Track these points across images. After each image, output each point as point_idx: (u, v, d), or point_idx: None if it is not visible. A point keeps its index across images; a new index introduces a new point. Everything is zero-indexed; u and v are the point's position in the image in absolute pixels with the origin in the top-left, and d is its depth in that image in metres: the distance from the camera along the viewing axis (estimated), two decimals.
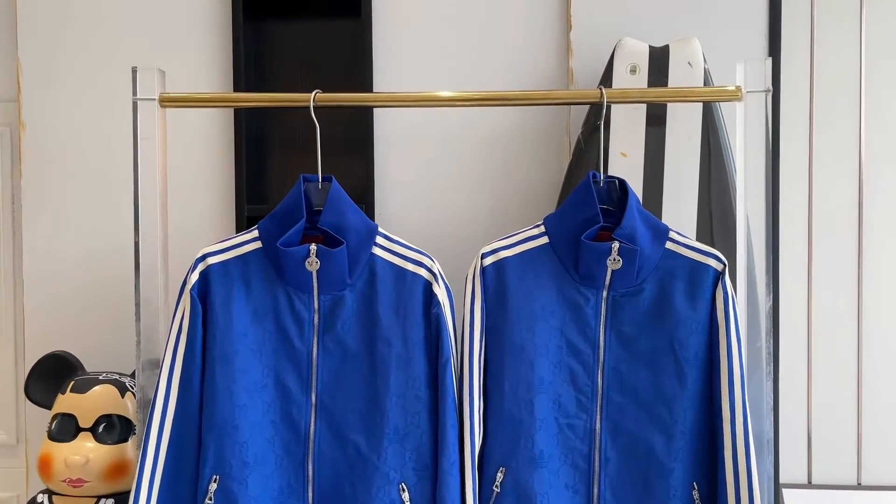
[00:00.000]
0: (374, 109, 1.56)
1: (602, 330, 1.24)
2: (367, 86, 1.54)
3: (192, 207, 1.60)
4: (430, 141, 1.58)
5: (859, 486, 1.57)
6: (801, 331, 1.56)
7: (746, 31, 1.53)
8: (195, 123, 1.58)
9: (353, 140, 1.57)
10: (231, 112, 1.55)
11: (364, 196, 1.55)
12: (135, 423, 1.36)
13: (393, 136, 1.59)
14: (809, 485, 1.58)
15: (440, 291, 1.24)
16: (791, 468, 1.58)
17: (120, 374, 1.44)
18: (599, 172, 1.26)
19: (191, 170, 1.60)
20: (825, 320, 1.57)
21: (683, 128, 1.38)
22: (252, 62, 1.51)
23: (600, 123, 1.23)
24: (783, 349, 1.55)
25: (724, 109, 1.39)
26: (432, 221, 1.57)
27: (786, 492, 1.55)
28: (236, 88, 1.50)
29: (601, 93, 1.22)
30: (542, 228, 1.27)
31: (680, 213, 1.36)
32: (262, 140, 1.59)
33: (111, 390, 1.38)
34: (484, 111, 1.56)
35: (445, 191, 1.58)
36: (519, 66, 1.54)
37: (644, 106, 1.41)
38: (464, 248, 1.40)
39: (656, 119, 1.41)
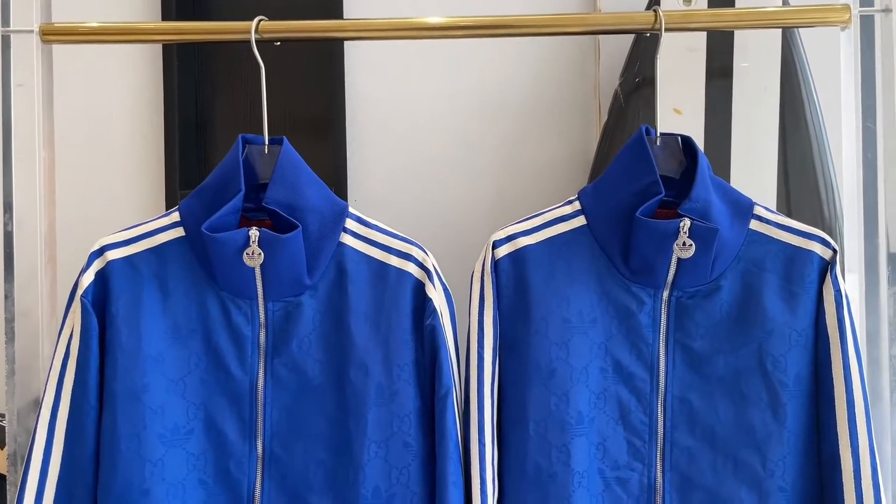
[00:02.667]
0: (346, 74, 1.22)
1: (663, 345, 0.89)
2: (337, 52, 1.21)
3: (111, 195, 1.23)
4: (418, 107, 1.23)
5: None
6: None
7: None
8: (117, 92, 1.23)
9: (319, 114, 1.22)
10: (160, 78, 1.20)
11: (336, 185, 1.21)
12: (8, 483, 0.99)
13: (370, 104, 1.24)
14: None
15: (436, 294, 0.89)
16: None
17: None
18: (654, 128, 0.92)
19: (109, 149, 1.24)
20: None
21: (758, 76, 1.04)
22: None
23: (656, 59, 0.88)
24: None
25: (812, 49, 1.05)
26: (422, 211, 1.22)
27: None
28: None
29: (656, 16, 0.89)
30: (577, 205, 0.92)
31: (754, 188, 1.02)
32: (202, 114, 1.24)
33: None
34: (487, 68, 1.22)
35: (438, 173, 1.23)
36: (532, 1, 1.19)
37: (703, 55, 1.07)
38: (465, 242, 1.06)
39: (719, 71, 1.07)
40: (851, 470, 0.84)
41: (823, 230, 1.01)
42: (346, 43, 1.20)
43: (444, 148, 1.22)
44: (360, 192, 1.23)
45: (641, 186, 0.88)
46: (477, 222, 1.19)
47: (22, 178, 0.90)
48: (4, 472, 1.01)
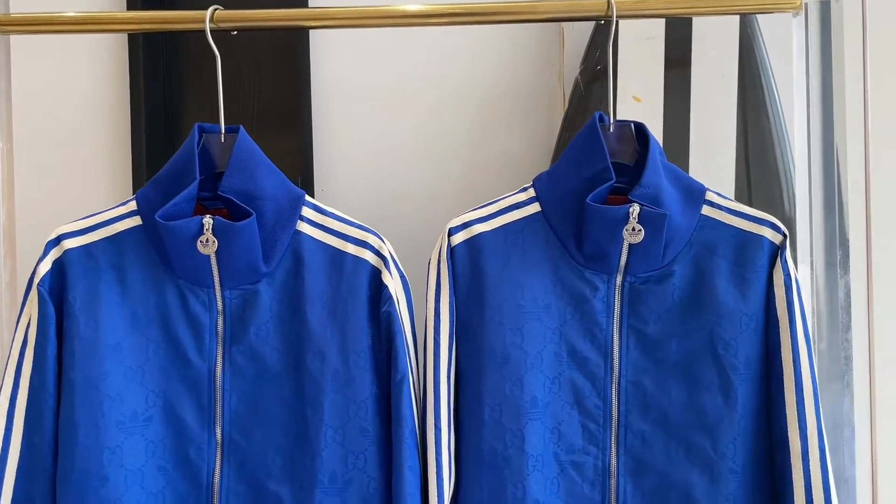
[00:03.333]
0: (311, 64, 1.22)
1: (616, 330, 0.90)
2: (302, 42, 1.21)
3: (79, 187, 1.23)
4: (382, 100, 1.23)
5: None
6: (860, 334, 1.22)
7: None
8: (83, 84, 1.23)
9: (286, 104, 1.22)
10: (126, 70, 1.20)
11: (303, 175, 1.21)
12: None
13: (336, 93, 1.24)
14: None
15: (392, 282, 0.90)
16: None
17: None
18: (608, 115, 0.92)
19: (77, 141, 1.23)
20: (889, 318, 1.22)
21: (715, 64, 1.05)
22: None
23: (608, 50, 0.89)
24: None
25: (770, 36, 1.05)
26: (388, 200, 1.22)
27: None
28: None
29: (608, 3, 0.89)
30: (532, 192, 0.93)
31: (713, 174, 1.03)
32: (170, 105, 1.24)
33: None
34: (453, 57, 1.22)
35: (404, 161, 1.23)
36: None
37: (661, 43, 1.07)
38: (432, 229, 1.06)
39: (678, 60, 1.08)
40: (799, 451, 0.85)
41: (784, 215, 1.02)
42: (311, 32, 1.20)
43: (410, 137, 1.23)
44: (327, 182, 1.23)
45: (593, 173, 0.89)
46: (442, 210, 1.18)
47: None
48: None
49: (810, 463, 0.84)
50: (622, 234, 0.86)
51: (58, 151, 1.21)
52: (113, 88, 1.22)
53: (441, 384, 0.90)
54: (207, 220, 0.86)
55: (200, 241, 0.86)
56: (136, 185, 1.21)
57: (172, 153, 0.91)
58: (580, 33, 1.17)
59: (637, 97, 1.06)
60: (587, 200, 0.86)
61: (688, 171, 1.03)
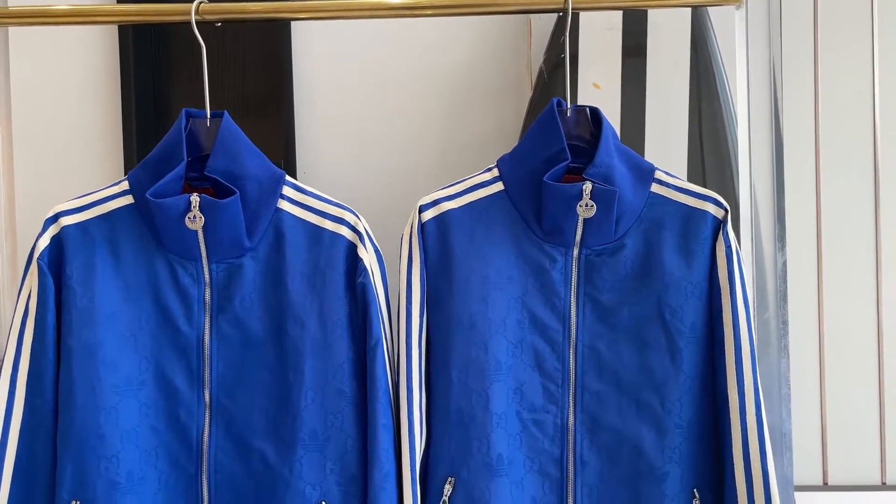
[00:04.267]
0: (293, 53, 1.29)
1: (573, 299, 0.98)
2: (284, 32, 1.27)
3: (71, 178, 1.29)
4: (361, 87, 1.31)
5: (884, 486, 1.32)
6: (810, 305, 1.30)
7: None
8: (76, 72, 1.29)
9: (269, 93, 1.29)
10: (116, 59, 1.26)
11: (285, 158, 1.28)
12: None
13: (316, 82, 1.31)
14: (825, 486, 1.33)
15: (367, 255, 0.97)
16: (803, 467, 1.32)
17: None
18: (566, 101, 1.00)
19: (69, 132, 1.30)
20: (837, 292, 1.31)
21: (669, 54, 1.12)
22: None
23: (565, 40, 0.96)
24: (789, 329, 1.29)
25: (720, 28, 1.13)
26: (366, 181, 1.29)
27: (798, 495, 1.30)
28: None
29: None
30: (496, 172, 1.01)
31: (666, 156, 1.10)
32: (158, 93, 1.31)
33: None
34: (428, 48, 1.29)
35: (381, 146, 1.31)
36: None
37: (619, 33, 1.15)
38: (404, 211, 1.13)
39: (635, 49, 1.15)
40: (738, 406, 0.93)
41: (735, 194, 1.10)
42: (292, 23, 1.27)
43: (387, 122, 1.30)
44: (308, 165, 1.30)
45: (551, 154, 0.96)
46: (417, 190, 1.26)
47: None
48: None
49: (747, 416, 0.93)
50: (576, 209, 0.94)
51: (53, 135, 1.27)
52: (105, 76, 1.29)
53: (413, 349, 0.97)
54: (195, 198, 0.93)
55: (188, 218, 0.93)
56: (127, 166, 1.28)
57: (160, 138, 0.98)
58: (546, 24, 1.24)
59: (597, 84, 1.13)
60: (545, 179, 0.94)
61: (643, 154, 1.10)
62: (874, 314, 1.27)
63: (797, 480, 1.31)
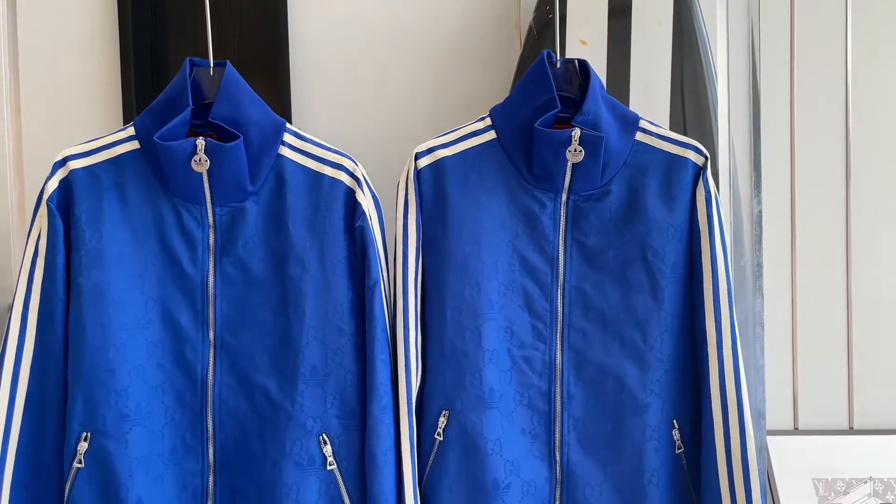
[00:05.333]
0: (289, 13, 1.32)
1: (561, 243, 1.03)
2: None
3: (73, 125, 1.32)
4: (356, 42, 1.34)
5: (851, 431, 1.40)
6: (783, 255, 1.36)
7: None
8: (77, 28, 1.31)
9: (264, 56, 1.32)
10: (115, 15, 1.29)
11: (281, 112, 1.31)
12: None
13: (311, 42, 1.34)
14: (795, 430, 1.40)
15: (365, 200, 1.02)
16: (775, 413, 1.39)
17: None
18: (556, 55, 1.04)
19: (71, 82, 1.32)
20: (809, 243, 1.37)
21: (653, 13, 1.17)
22: None
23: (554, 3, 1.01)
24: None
25: None
26: (361, 136, 1.33)
27: (770, 439, 1.37)
28: None
29: None
30: (488, 122, 1.05)
31: (649, 109, 1.15)
32: (155, 51, 1.33)
33: None
34: (422, 7, 1.33)
35: (375, 100, 1.35)
36: None
37: None
38: (397, 163, 1.18)
39: (620, 9, 1.20)
40: (715, 341, 0.99)
41: (714, 145, 1.15)
42: None
43: (382, 76, 1.34)
44: (304, 119, 1.34)
45: (541, 102, 1.01)
46: (411, 142, 1.30)
47: None
48: None
49: (724, 350, 0.99)
50: (565, 154, 0.99)
51: (58, 86, 1.29)
52: (104, 29, 1.31)
53: (409, 290, 1.02)
54: (200, 142, 0.96)
55: (194, 161, 0.96)
56: (126, 116, 1.30)
57: (158, 90, 1.01)
58: None
59: (583, 40, 1.18)
60: (535, 125, 0.99)
61: (628, 107, 1.15)
62: (843, 261, 1.34)
63: (769, 425, 1.38)
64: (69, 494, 0.96)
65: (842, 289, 1.35)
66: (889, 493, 1.34)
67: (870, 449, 1.38)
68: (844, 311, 1.35)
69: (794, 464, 1.36)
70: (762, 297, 1.05)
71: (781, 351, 1.36)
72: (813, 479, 1.35)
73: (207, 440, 1.01)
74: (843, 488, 1.34)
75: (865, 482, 1.35)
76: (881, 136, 1.37)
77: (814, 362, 1.38)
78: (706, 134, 1.16)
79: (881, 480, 1.35)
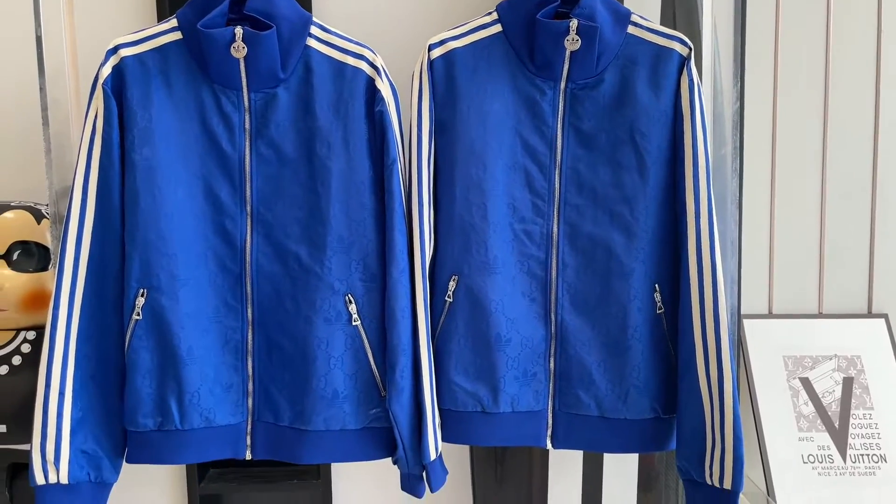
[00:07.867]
0: None
1: (560, 127, 1.15)
2: None
3: (104, 21, 1.40)
4: None
5: (820, 315, 1.54)
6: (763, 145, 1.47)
7: None
8: None
9: None
10: None
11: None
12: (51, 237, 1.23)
13: None
14: (769, 314, 1.55)
15: (384, 87, 1.13)
16: (750, 298, 1.54)
17: (35, 202, 1.31)
18: None
19: None
20: (787, 140, 1.49)
21: None
22: None
23: None
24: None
25: None
26: (377, 33, 1.41)
27: (746, 322, 1.52)
28: None
29: None
30: (495, 16, 1.16)
31: (642, 9, 1.26)
32: None
33: (25, 216, 1.25)
34: None
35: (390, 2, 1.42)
36: None
37: None
38: (412, 55, 1.27)
39: None
40: (693, 212, 1.12)
41: (700, 41, 1.25)
42: None
43: None
44: (323, 14, 1.41)
45: None
46: (424, 38, 1.39)
47: None
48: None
49: (701, 221, 1.12)
50: (564, 44, 1.10)
51: None
52: None
53: (423, 170, 1.14)
54: (239, 30, 1.07)
55: (233, 47, 1.08)
56: (160, 13, 1.39)
57: None
58: None
59: None
60: (538, 17, 1.09)
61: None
62: (820, 148, 1.46)
63: (744, 310, 1.52)
64: (130, 342, 1.11)
65: (817, 180, 1.47)
66: (852, 367, 1.50)
67: (835, 331, 1.53)
68: (818, 199, 1.48)
69: (768, 344, 1.51)
70: (739, 177, 1.17)
71: (759, 240, 1.50)
72: (783, 356, 1.51)
73: (247, 301, 1.15)
74: (811, 364, 1.50)
75: (830, 359, 1.50)
76: (861, 12, 1.47)
77: (789, 252, 1.52)
78: (694, 30, 1.27)
79: (845, 357, 1.50)
